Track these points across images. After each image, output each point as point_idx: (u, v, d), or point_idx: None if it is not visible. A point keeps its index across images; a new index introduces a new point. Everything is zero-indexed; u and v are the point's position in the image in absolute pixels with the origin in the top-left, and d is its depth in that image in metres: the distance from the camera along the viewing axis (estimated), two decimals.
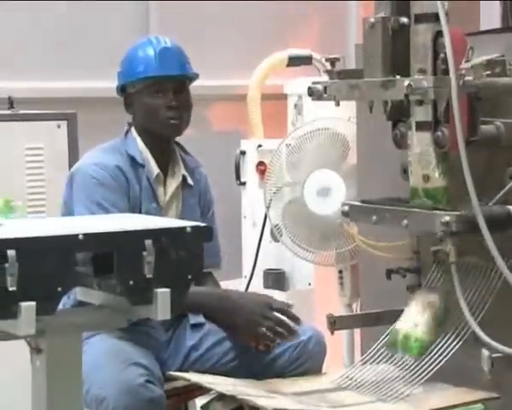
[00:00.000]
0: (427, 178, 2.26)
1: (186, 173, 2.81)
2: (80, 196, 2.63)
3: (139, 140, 2.76)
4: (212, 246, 2.69)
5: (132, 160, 2.71)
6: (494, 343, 2.16)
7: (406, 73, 2.26)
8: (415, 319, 2.33)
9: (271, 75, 4.20)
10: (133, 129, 2.78)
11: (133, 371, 2.45)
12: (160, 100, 2.70)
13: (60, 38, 3.91)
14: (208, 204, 2.89)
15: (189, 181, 2.81)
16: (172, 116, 2.70)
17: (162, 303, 1.97)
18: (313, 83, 2.40)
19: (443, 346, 2.31)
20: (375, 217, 2.33)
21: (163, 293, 1.97)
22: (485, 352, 2.17)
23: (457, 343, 2.29)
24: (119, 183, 2.65)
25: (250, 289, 3.82)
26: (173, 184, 2.79)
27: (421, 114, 2.26)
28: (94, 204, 2.59)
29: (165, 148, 2.78)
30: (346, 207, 2.41)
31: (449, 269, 2.27)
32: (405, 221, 2.26)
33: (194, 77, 2.81)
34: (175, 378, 2.59)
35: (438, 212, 2.21)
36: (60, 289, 1.90)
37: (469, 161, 2.15)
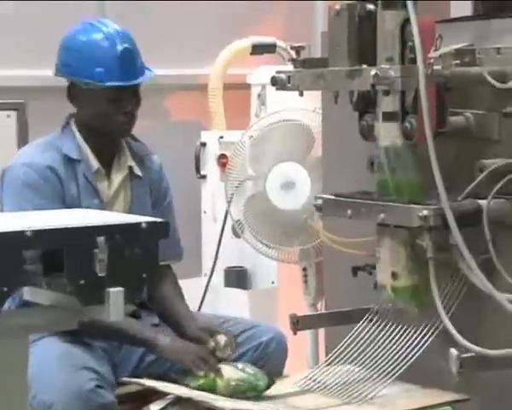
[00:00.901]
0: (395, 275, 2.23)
1: (133, 164, 2.74)
2: (7, 198, 2.63)
3: (78, 135, 2.68)
4: (171, 237, 2.60)
5: (67, 157, 2.64)
6: (465, 342, 2.12)
7: (373, 62, 2.23)
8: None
9: (234, 64, 4.13)
10: (72, 122, 2.70)
11: (83, 376, 2.43)
12: (115, 106, 2.62)
13: (9, 25, 3.82)
14: (164, 192, 2.81)
15: (137, 171, 2.74)
16: (127, 121, 2.66)
17: (115, 303, 1.91)
18: (277, 72, 2.39)
19: (411, 345, 2.29)
20: (349, 211, 2.30)
21: (116, 292, 1.91)
22: (454, 352, 2.13)
23: (425, 343, 2.27)
24: (50, 185, 2.60)
25: (210, 288, 3.75)
26: (119, 176, 2.72)
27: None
28: (18, 207, 2.54)
29: (110, 144, 2.71)
30: (320, 201, 2.36)
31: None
32: (382, 215, 2.23)
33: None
34: (128, 383, 2.56)
35: (415, 206, 2.19)
36: (6, 289, 1.83)
37: (438, 153, 2.13)
